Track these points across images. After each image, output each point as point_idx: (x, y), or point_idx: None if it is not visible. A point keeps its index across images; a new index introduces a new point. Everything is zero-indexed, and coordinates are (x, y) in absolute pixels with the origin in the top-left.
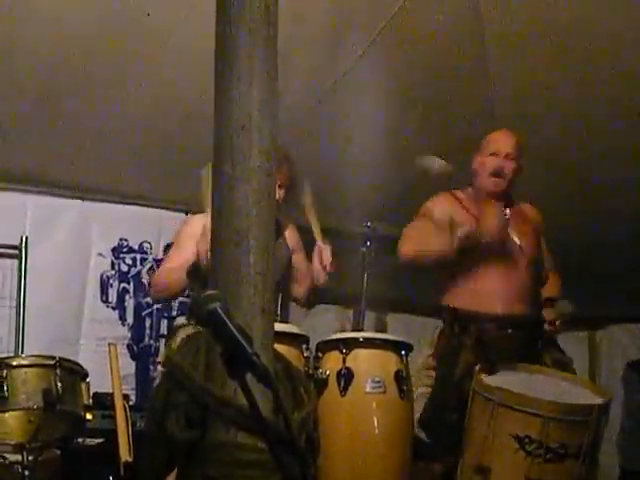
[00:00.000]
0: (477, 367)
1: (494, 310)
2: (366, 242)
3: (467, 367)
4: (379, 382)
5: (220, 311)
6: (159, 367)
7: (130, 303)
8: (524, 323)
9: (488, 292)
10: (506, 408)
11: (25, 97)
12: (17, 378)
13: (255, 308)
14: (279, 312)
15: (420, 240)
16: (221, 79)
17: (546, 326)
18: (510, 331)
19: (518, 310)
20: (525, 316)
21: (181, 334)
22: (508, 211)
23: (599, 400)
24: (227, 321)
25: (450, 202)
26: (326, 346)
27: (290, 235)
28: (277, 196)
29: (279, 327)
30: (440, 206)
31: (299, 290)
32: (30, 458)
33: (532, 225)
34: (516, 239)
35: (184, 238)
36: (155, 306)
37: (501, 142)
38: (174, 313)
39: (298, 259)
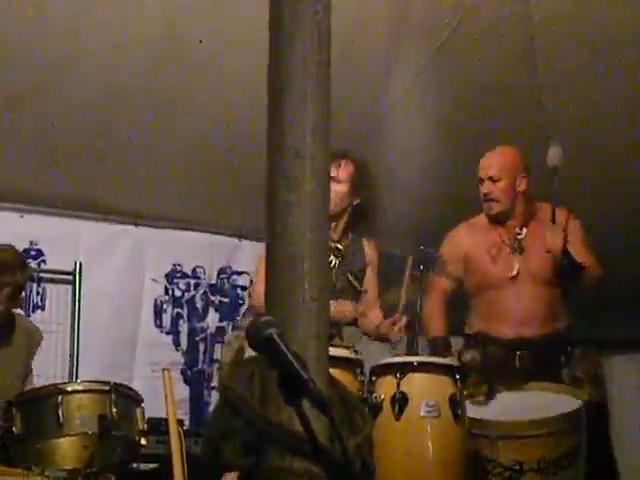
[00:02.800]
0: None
1: (502, 333)
2: (419, 266)
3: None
4: (434, 406)
5: (276, 337)
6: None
7: (184, 328)
8: (534, 344)
9: (497, 316)
10: (470, 433)
11: (79, 125)
12: (72, 404)
13: (310, 334)
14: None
15: (429, 312)
16: (273, 105)
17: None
18: (519, 353)
19: (527, 332)
20: (535, 338)
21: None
22: (524, 231)
23: (556, 412)
24: (283, 347)
25: (465, 235)
26: (380, 370)
27: (369, 250)
28: (337, 194)
29: (333, 352)
30: (452, 256)
31: (365, 321)
32: None
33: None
34: (515, 269)
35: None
36: (209, 331)
37: (481, 168)
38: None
39: (369, 277)
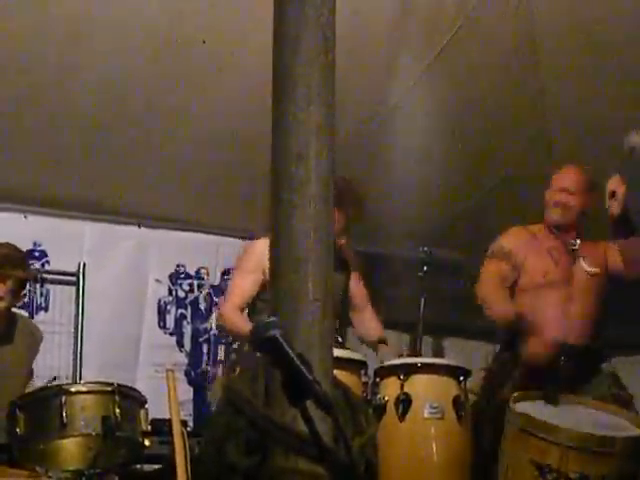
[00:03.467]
0: (514, 394)
1: (549, 336)
2: (423, 267)
3: (513, 392)
4: (437, 407)
5: (280, 338)
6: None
7: (187, 329)
8: (577, 352)
9: (545, 320)
10: (527, 434)
11: (84, 125)
12: (76, 405)
13: (314, 334)
14: (339, 338)
15: (489, 291)
16: (278, 107)
17: None
18: (562, 359)
19: (573, 340)
20: (578, 346)
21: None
22: (578, 242)
23: (626, 433)
24: (287, 348)
25: (527, 236)
26: (384, 372)
27: (348, 257)
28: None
29: (338, 353)
30: (516, 247)
31: (363, 325)
32: None
33: (601, 261)
34: (588, 267)
35: (247, 266)
36: (212, 332)
37: (558, 179)
38: (231, 339)
39: (354, 284)
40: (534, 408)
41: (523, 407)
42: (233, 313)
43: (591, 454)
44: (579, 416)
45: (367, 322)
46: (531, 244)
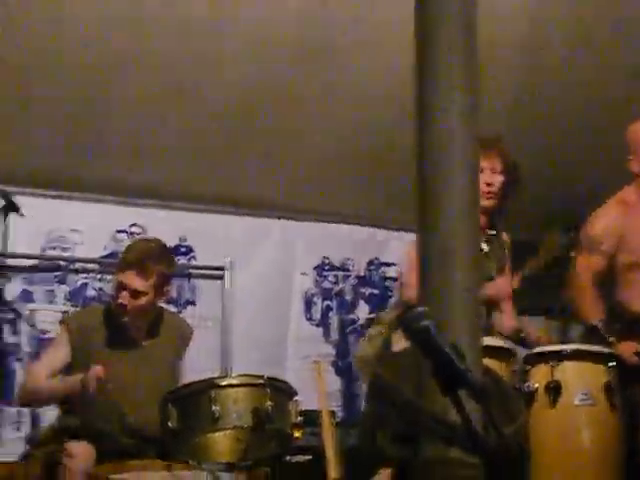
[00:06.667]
0: None
1: None
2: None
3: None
4: (588, 394)
5: (432, 329)
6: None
7: (334, 320)
8: None
9: None
10: None
11: (227, 121)
12: (228, 398)
13: (464, 323)
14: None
15: (579, 294)
16: (421, 95)
17: None
18: None
19: None
20: None
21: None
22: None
23: None
24: (439, 339)
25: (621, 213)
26: (534, 359)
27: (508, 245)
28: (494, 185)
29: (487, 341)
30: (607, 230)
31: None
32: (240, 477)
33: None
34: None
35: None
36: (359, 322)
37: None
38: None
39: (508, 275)
40: None
41: None
42: None
43: None
44: None
45: (501, 319)
46: (627, 220)
